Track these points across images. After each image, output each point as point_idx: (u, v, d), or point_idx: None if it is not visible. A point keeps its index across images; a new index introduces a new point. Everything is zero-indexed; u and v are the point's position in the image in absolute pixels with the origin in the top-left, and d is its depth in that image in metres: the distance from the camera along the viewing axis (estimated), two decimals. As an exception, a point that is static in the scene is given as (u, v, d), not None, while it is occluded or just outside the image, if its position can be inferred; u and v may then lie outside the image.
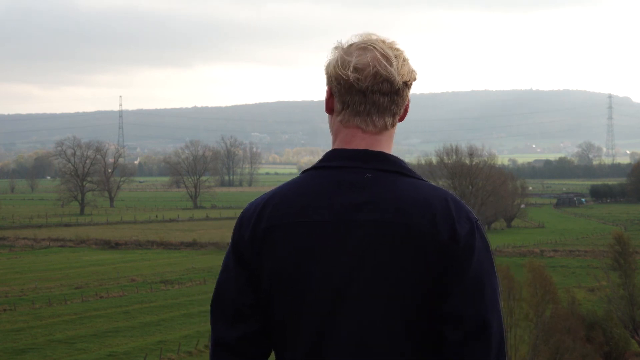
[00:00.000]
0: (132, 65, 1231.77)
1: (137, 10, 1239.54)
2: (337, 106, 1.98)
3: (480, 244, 1.88)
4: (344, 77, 1.93)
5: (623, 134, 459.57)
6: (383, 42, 1.96)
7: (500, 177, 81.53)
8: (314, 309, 1.88)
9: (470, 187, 71.14)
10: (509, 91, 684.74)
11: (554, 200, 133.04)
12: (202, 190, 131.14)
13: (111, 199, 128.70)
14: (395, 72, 1.93)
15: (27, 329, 37.27)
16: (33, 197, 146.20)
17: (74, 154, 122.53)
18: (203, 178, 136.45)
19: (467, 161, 73.47)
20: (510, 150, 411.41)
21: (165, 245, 75.40)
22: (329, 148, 2.04)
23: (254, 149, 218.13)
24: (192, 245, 74.70)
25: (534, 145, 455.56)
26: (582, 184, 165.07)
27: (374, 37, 1.97)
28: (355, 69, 1.92)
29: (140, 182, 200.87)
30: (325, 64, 1.99)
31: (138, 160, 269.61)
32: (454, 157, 74.01)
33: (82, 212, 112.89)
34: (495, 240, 74.90)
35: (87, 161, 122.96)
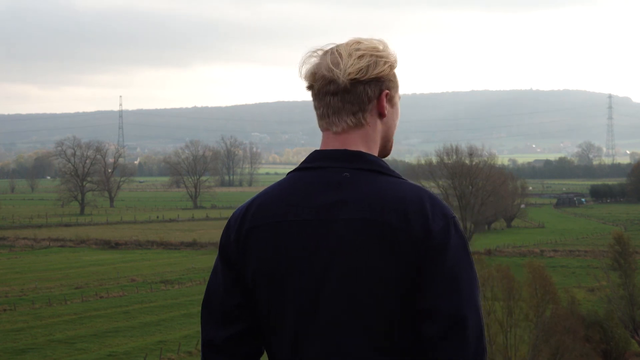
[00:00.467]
0: (132, 65, 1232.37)
1: (136, 10, 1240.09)
2: None
3: (456, 240, 1.88)
4: (305, 83, 2.01)
5: (623, 134, 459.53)
6: (358, 42, 1.97)
7: (500, 177, 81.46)
8: (294, 307, 1.90)
9: (470, 187, 71.09)
10: (509, 91, 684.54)
11: (554, 200, 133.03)
12: (202, 190, 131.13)
13: (111, 199, 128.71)
14: (339, 72, 1.93)
15: (27, 329, 37.25)
16: (33, 197, 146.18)
17: (74, 154, 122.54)
18: (203, 178, 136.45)
19: (467, 161, 73.42)
20: (510, 150, 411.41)
21: (165, 245, 75.40)
22: (329, 148, 2.13)
23: (254, 149, 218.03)
24: (192, 245, 74.71)
25: (534, 145, 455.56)
26: (582, 184, 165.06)
27: (356, 39, 1.99)
28: (307, 75, 1.99)
29: (140, 182, 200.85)
30: None
31: (138, 160, 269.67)
32: (454, 157, 73.98)
33: (82, 212, 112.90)
34: (495, 240, 74.94)
35: (87, 161, 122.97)
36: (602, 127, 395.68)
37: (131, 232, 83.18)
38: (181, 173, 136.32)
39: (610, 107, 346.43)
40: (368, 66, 1.94)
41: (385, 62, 1.97)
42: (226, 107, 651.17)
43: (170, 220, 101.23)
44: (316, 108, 2.01)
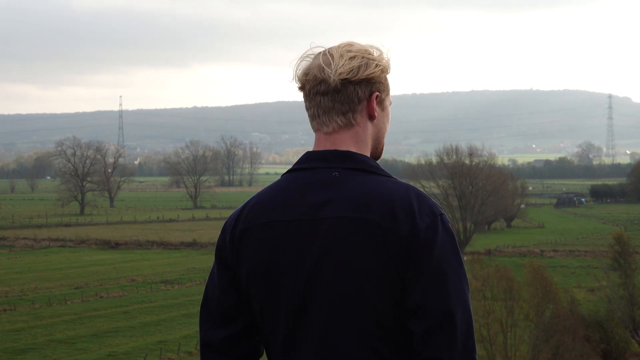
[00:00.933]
0: (132, 65, 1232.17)
1: (136, 10, 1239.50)
2: None
3: (444, 237, 1.89)
4: (297, 83, 2.03)
5: (623, 134, 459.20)
6: (351, 45, 1.99)
7: (500, 177, 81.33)
8: (287, 307, 1.92)
9: (470, 187, 71.01)
10: (509, 91, 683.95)
11: (554, 200, 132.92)
12: (202, 190, 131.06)
13: (111, 199, 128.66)
14: (330, 72, 1.95)
15: (27, 329, 37.23)
16: (33, 197, 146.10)
17: (74, 154, 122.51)
18: (203, 178, 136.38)
19: (467, 161, 73.29)
20: (510, 150, 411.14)
21: (165, 245, 75.37)
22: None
23: (254, 149, 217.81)
24: (192, 245, 74.68)
25: (534, 145, 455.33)
26: (582, 184, 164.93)
27: (349, 42, 2.00)
28: (299, 75, 2.02)
29: (140, 182, 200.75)
30: None
31: (138, 160, 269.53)
32: (454, 157, 73.87)
33: (82, 212, 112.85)
34: (495, 240, 74.93)
35: (87, 161, 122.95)
36: (602, 127, 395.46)
37: (131, 232, 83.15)
38: (181, 173, 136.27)
39: (610, 107, 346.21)
40: (359, 67, 1.96)
41: (377, 65, 1.99)
42: (226, 107, 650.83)
43: (170, 220, 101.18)
44: (307, 108, 2.04)
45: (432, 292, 1.85)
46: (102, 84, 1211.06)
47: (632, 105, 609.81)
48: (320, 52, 2.00)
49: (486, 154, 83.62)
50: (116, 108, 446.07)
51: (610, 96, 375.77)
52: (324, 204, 1.92)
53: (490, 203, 74.63)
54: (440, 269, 1.86)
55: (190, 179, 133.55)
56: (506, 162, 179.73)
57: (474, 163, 73.52)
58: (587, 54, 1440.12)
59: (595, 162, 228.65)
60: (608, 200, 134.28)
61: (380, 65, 1.99)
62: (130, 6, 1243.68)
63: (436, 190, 71.13)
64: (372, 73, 1.98)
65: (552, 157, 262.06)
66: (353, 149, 1.99)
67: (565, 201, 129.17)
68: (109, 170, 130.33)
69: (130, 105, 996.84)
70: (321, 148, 2.00)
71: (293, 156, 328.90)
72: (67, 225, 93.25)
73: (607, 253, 45.24)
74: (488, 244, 70.47)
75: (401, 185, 1.93)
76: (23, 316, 40.80)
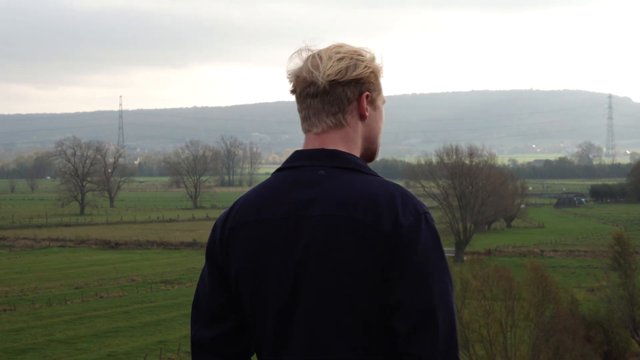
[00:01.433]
0: (132, 66, 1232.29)
1: (136, 10, 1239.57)
2: None
3: (427, 235, 1.88)
4: (289, 86, 2.05)
5: (623, 134, 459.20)
6: (340, 46, 2.00)
7: (500, 177, 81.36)
8: (275, 305, 1.93)
9: (470, 187, 71.01)
10: (509, 91, 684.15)
11: (554, 200, 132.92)
12: (202, 190, 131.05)
13: (111, 199, 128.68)
14: (318, 74, 1.96)
15: (27, 329, 37.23)
16: (33, 197, 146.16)
17: (74, 154, 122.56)
18: (203, 178, 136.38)
19: (467, 161, 73.31)
20: (510, 150, 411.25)
21: (165, 245, 75.38)
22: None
23: (254, 149, 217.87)
24: (192, 245, 74.65)
25: (534, 145, 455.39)
26: (582, 184, 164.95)
27: (339, 44, 2.01)
28: (290, 78, 2.03)
29: (140, 182, 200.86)
30: None
31: (138, 160, 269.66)
32: (454, 157, 73.88)
33: (82, 212, 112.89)
34: (495, 240, 74.93)
35: (87, 161, 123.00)
36: (602, 127, 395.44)
37: (131, 232, 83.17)
38: (181, 173, 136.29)
39: (610, 107, 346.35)
40: (347, 68, 1.97)
41: (366, 66, 1.99)
42: (226, 107, 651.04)
43: (170, 220, 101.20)
44: (299, 111, 2.03)
45: (415, 290, 1.84)
46: (102, 84, 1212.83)
47: (632, 105, 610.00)
48: (310, 55, 2.00)
49: (486, 154, 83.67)
50: (116, 108, 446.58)
51: (610, 96, 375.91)
52: (310, 202, 1.92)
53: (490, 203, 74.65)
54: (424, 267, 1.86)
55: (190, 179, 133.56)
56: (506, 162, 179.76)
57: (474, 163, 73.52)
58: (587, 54, 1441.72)
59: (595, 162, 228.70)
60: (608, 200, 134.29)
61: (369, 67, 1.99)
62: (130, 6, 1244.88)
63: (436, 190, 71.17)
64: (360, 73, 1.98)
65: (552, 157, 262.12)
66: (341, 148, 1.99)
67: (565, 201, 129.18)
68: (109, 170, 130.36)
69: (130, 105, 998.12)
70: (310, 147, 2.01)
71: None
72: (67, 225, 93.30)
73: (607, 253, 45.24)
74: (488, 244, 70.48)
75: (387, 184, 1.93)
76: (23, 316, 40.80)
